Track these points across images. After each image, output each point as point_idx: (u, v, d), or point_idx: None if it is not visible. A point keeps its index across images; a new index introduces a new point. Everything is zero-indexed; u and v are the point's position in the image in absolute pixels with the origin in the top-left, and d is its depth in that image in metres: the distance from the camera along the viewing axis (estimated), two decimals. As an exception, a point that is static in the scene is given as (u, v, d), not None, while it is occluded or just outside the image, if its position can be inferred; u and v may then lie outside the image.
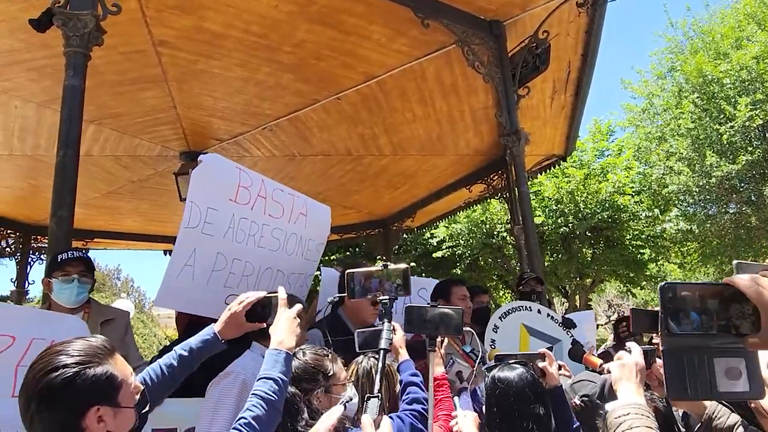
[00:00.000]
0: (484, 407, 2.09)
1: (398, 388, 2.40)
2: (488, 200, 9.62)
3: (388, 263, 1.98)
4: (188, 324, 3.32)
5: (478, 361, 2.79)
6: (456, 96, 6.12)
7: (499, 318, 3.97)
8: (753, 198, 11.32)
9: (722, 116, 10.99)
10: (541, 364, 2.46)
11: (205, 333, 1.95)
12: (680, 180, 11.24)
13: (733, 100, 10.97)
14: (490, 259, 13.91)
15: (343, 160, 7.36)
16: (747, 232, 11.66)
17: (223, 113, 6.05)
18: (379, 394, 1.58)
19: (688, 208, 12.38)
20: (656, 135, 12.01)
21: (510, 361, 2.20)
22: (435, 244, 13.55)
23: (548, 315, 4.14)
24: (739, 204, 11.67)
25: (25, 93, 5.33)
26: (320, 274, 4.19)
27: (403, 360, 2.30)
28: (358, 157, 7.35)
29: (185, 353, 1.90)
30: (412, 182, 8.34)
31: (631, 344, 1.63)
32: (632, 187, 12.41)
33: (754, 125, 10.64)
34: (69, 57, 3.28)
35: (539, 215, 11.82)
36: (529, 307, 4.12)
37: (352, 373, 2.35)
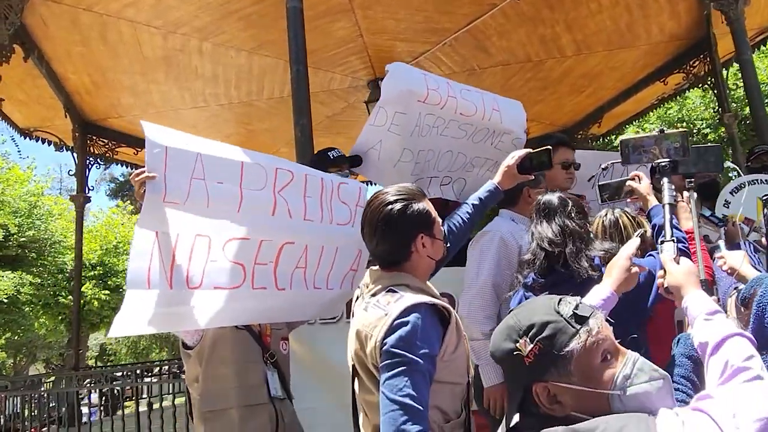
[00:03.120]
0: (765, 240, 2.00)
1: None
2: (684, 94, 8.69)
3: (665, 128, 2.03)
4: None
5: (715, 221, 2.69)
6: (649, -28, 5.56)
7: (731, 193, 3.70)
8: None
9: None
10: None
11: (488, 185, 2.37)
12: None
13: None
14: (689, 162, 12.35)
15: (524, 67, 7.16)
16: None
17: (405, 34, 6.23)
18: (673, 239, 1.73)
19: None
20: None
21: None
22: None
23: (789, 186, 3.75)
24: None
25: (237, 42, 6.02)
26: None
27: (653, 206, 2.32)
28: (538, 63, 7.09)
29: (477, 202, 2.33)
30: (597, 84, 7.83)
31: None
32: None
33: None
34: (284, -17, 3.64)
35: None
36: (765, 180, 3.76)
37: (598, 225, 2.44)
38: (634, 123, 9.69)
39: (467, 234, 2.30)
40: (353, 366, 1.75)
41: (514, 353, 1.23)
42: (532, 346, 1.21)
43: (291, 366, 2.68)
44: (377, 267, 1.80)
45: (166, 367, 13.80)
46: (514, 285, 2.32)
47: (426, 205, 1.78)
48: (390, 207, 1.72)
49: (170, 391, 6.40)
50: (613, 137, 10.88)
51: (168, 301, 1.98)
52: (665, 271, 1.66)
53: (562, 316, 1.24)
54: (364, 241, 1.84)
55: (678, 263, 1.63)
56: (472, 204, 2.31)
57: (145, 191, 1.91)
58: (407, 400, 1.48)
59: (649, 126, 10.51)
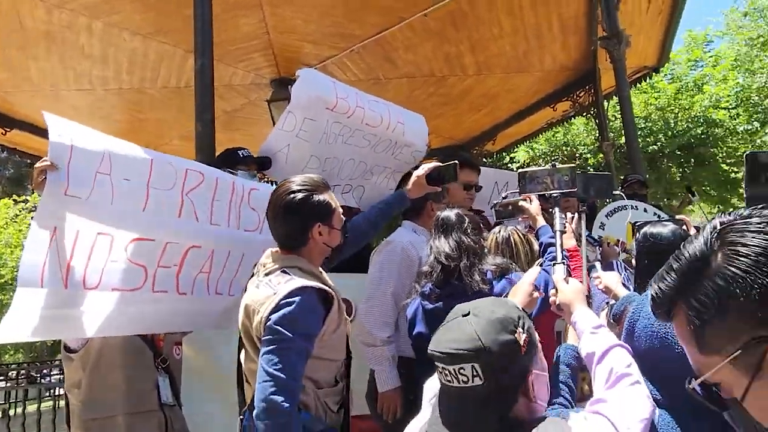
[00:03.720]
0: (634, 261, 2.21)
1: None
2: (571, 121, 9.41)
3: (557, 163, 2.27)
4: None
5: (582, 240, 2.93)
6: (546, 5, 5.95)
7: (606, 216, 4.04)
8: None
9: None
10: None
11: (398, 192, 2.59)
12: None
13: None
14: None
15: (427, 81, 7.38)
16: None
17: (313, 37, 6.18)
18: (564, 261, 1.93)
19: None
20: (759, 40, 10.97)
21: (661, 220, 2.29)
22: (515, 169, 13.28)
23: (655, 213, 4.16)
24: None
25: (132, 25, 5.63)
26: None
27: (540, 225, 2.48)
28: (441, 78, 7.34)
29: (384, 206, 2.52)
30: (494, 104, 8.26)
31: None
32: (728, 101, 11.57)
33: None
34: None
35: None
36: (636, 206, 4.15)
37: (491, 240, 2.56)
38: (525, 143, 10.36)
39: (371, 232, 2.44)
40: (240, 337, 1.88)
41: (514, 344, 1.22)
42: (525, 335, 1.25)
43: (183, 371, 2.56)
44: (276, 249, 1.91)
45: (23, 372, 12.63)
46: (411, 294, 2.39)
47: (327, 197, 1.89)
48: (293, 196, 1.84)
49: (39, 397, 5.81)
50: (505, 154, 11.57)
51: (61, 302, 1.83)
52: (557, 290, 1.79)
53: (523, 310, 1.34)
54: (267, 221, 1.93)
55: (568, 283, 1.77)
56: (379, 207, 2.47)
57: (44, 180, 1.78)
58: (279, 374, 1.62)
59: (538, 147, 11.35)
